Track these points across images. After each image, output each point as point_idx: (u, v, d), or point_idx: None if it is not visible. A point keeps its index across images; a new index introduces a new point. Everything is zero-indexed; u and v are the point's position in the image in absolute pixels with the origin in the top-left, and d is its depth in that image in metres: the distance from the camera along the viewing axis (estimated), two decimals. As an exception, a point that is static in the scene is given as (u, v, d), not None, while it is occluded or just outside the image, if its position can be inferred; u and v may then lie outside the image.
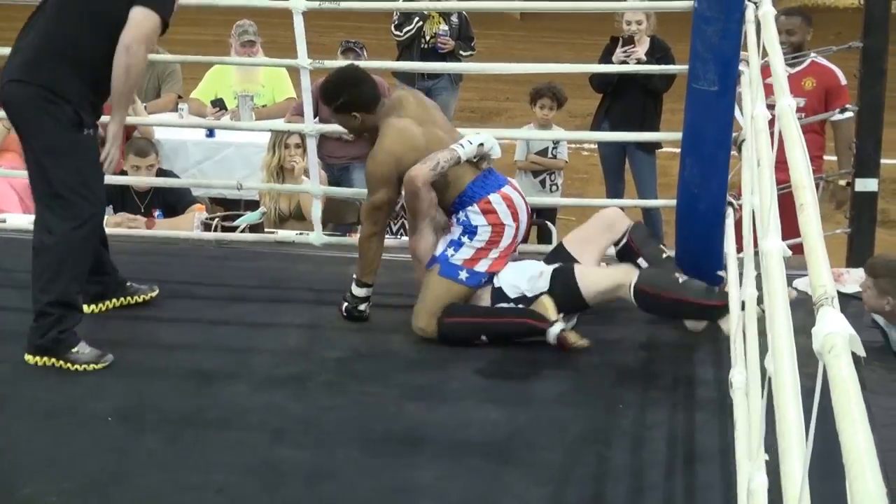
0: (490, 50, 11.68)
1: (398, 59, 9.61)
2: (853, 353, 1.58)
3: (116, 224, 6.87)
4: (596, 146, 9.74)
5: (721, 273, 5.34)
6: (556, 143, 8.49)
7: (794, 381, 1.93)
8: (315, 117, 6.45)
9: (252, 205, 7.78)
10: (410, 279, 5.89)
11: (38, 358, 4.92)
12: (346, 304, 5.47)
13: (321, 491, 4.09)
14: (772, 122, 3.34)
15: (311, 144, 6.35)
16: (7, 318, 5.38)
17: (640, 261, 5.43)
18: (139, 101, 8.85)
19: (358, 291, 5.45)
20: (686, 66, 5.33)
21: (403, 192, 5.33)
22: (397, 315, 5.52)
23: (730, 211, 5.37)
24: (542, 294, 5.24)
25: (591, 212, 9.78)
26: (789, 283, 2.68)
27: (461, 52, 9.66)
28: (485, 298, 5.36)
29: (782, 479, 1.77)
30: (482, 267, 5.33)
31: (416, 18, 9.54)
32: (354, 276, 5.47)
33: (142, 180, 7.20)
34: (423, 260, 5.44)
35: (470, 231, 5.33)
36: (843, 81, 7.12)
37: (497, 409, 4.67)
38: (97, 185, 4.91)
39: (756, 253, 3.58)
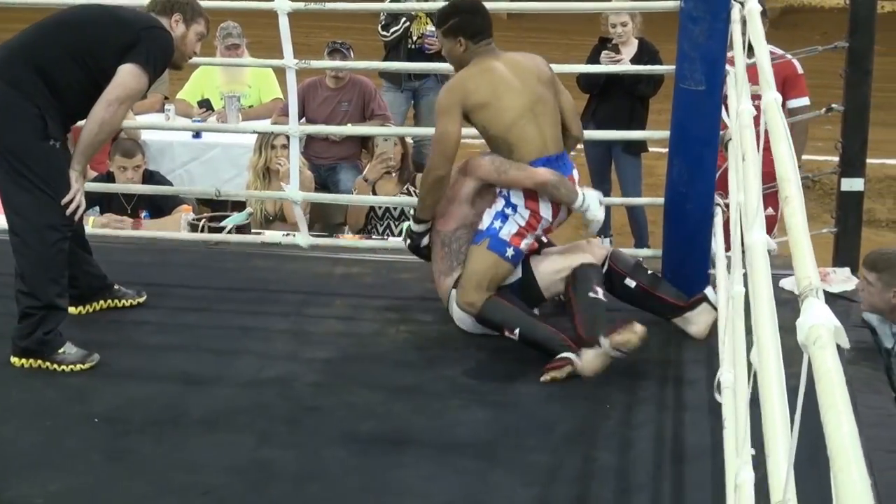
0: (477, 51, 11.65)
1: (385, 60, 9.59)
2: (838, 346, 1.58)
3: (103, 225, 6.86)
4: (582, 147, 9.72)
5: (711, 271, 5.35)
6: None
7: (779, 373, 1.93)
8: (301, 118, 6.44)
9: (239, 206, 7.77)
10: (397, 280, 5.91)
11: (23, 360, 4.91)
12: (408, 240, 5.47)
13: (308, 491, 4.09)
14: (757, 120, 3.35)
15: (294, 147, 6.33)
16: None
17: (628, 280, 5.37)
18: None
19: (416, 227, 5.41)
20: (673, 67, 5.35)
21: (459, 168, 5.36)
22: (383, 315, 5.52)
23: (718, 211, 5.38)
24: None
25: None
26: (775, 283, 2.68)
27: (448, 53, 9.64)
28: None
29: (768, 471, 1.78)
30: (524, 246, 5.24)
31: (404, 19, 9.53)
32: (412, 211, 5.51)
33: (126, 188, 7.18)
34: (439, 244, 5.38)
35: (511, 205, 5.21)
36: (800, 70, 7.24)
37: (484, 409, 4.67)
38: (66, 190, 4.87)
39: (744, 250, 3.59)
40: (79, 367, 4.91)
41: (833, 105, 6.16)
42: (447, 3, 5.49)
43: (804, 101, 7.28)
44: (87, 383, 4.84)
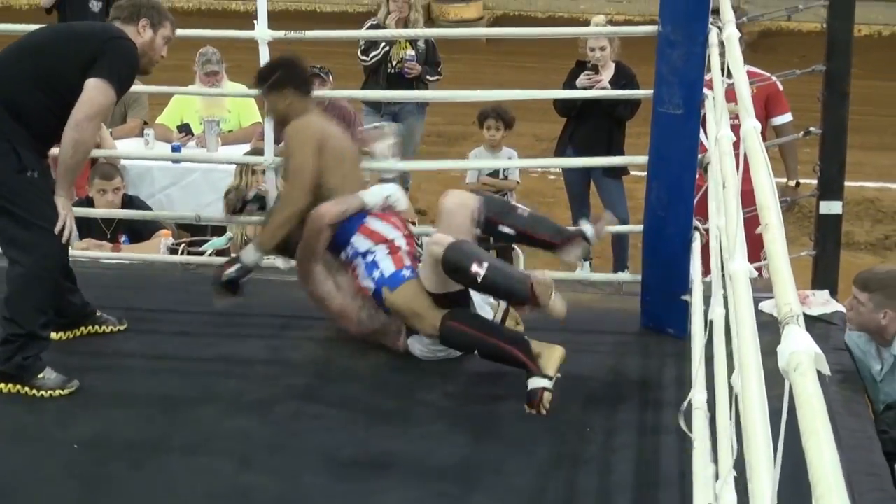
0: (457, 74, 11.67)
1: (365, 84, 9.61)
2: (818, 372, 1.59)
3: (83, 249, 6.84)
4: (560, 171, 9.75)
5: (686, 298, 5.35)
6: None
7: (762, 399, 1.94)
8: (281, 142, 6.43)
9: (219, 230, 7.75)
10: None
11: (2, 384, 4.88)
12: (231, 269, 5.40)
13: (289, 517, 4.08)
14: (736, 144, 3.36)
15: (271, 177, 6.30)
16: None
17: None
18: (105, 126, 8.81)
19: (251, 257, 5.40)
20: (651, 91, 5.36)
21: (305, 230, 5.29)
22: (363, 341, 5.51)
23: (696, 235, 5.39)
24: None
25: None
26: (755, 306, 2.70)
27: (428, 77, 9.66)
28: None
29: (751, 497, 1.78)
30: (408, 261, 5.28)
31: (383, 43, 9.55)
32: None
33: (107, 213, 7.16)
34: (329, 298, 5.39)
35: (363, 253, 5.30)
36: (780, 87, 7.37)
37: (464, 433, 4.66)
38: (54, 217, 4.85)
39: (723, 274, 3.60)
40: (58, 392, 4.89)
41: (811, 128, 6.18)
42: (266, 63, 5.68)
43: (787, 117, 7.46)
44: (67, 408, 4.82)
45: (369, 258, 5.27)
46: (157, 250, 6.94)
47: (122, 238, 7.37)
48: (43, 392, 4.88)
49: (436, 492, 4.23)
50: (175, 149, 8.74)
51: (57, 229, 4.82)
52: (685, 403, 4.03)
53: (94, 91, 4.78)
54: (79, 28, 5.09)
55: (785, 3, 6.48)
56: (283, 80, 5.46)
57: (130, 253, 6.97)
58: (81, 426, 4.68)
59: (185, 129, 9.13)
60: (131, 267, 6.60)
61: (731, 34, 4.11)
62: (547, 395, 4.84)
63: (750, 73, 7.29)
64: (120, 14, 5.07)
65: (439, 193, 5.41)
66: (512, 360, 4.99)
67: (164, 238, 7.16)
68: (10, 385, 4.88)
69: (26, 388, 4.87)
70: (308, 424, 4.73)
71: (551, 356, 4.92)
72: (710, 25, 5.04)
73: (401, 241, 5.35)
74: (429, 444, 4.58)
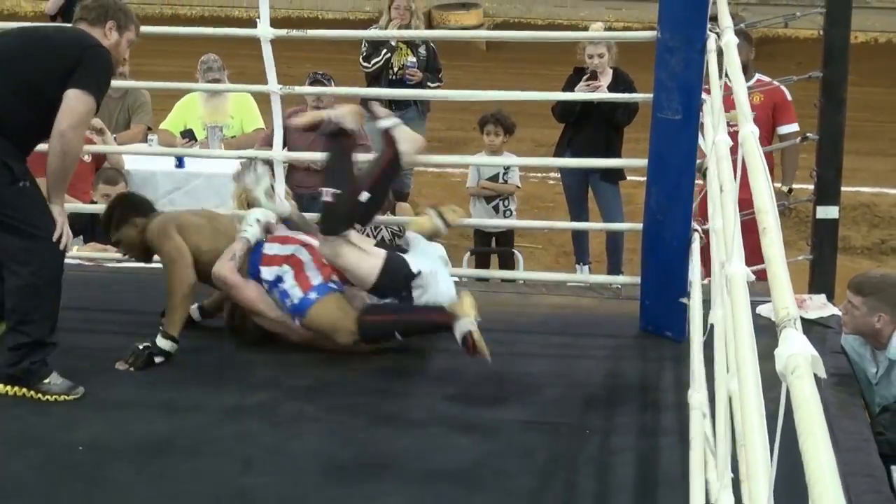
0: (457, 81, 11.66)
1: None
2: (815, 375, 1.58)
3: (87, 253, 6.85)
4: (559, 175, 9.75)
5: (684, 300, 5.35)
6: (506, 168, 8.51)
7: (759, 400, 1.93)
8: (284, 147, 6.44)
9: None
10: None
11: (8, 387, 4.88)
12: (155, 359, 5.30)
13: (290, 518, 4.08)
14: (734, 149, 3.35)
15: (279, 171, 6.33)
16: None
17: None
18: (108, 132, 8.82)
19: (168, 346, 5.31)
20: (650, 96, 5.36)
21: (221, 293, 5.52)
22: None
23: (695, 237, 5.38)
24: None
25: (555, 238, 9.88)
26: (753, 309, 2.69)
27: (429, 83, 9.67)
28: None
29: (748, 498, 1.77)
30: (316, 281, 5.36)
31: (385, 50, 9.56)
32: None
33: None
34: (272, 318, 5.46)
35: (275, 281, 5.39)
36: (789, 97, 7.40)
37: (464, 435, 4.66)
38: (51, 226, 4.86)
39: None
40: (63, 397, 4.88)
41: (808, 134, 6.18)
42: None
43: (794, 126, 7.49)
44: (71, 411, 4.81)
45: (281, 286, 5.38)
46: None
47: (126, 242, 7.36)
48: (48, 396, 4.87)
49: (436, 494, 4.23)
50: (179, 164, 8.75)
51: (55, 238, 4.82)
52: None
53: (75, 101, 4.79)
54: (54, 36, 5.08)
55: (782, 10, 6.49)
56: (123, 215, 5.57)
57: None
58: (85, 429, 4.67)
59: (188, 134, 9.13)
60: (134, 270, 6.59)
61: (730, 40, 4.11)
62: (476, 334, 5.04)
63: (759, 82, 7.33)
64: (87, 15, 5.06)
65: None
66: (432, 325, 5.27)
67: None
68: (16, 388, 4.88)
69: (32, 392, 4.87)
70: (309, 427, 4.73)
71: (462, 303, 5.18)
72: (708, 32, 5.04)
73: (301, 253, 5.46)
74: (429, 446, 4.58)
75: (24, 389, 4.87)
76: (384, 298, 5.39)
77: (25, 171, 4.87)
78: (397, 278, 5.35)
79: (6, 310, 4.90)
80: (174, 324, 5.29)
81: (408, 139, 5.76)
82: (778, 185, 7.27)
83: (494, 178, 8.54)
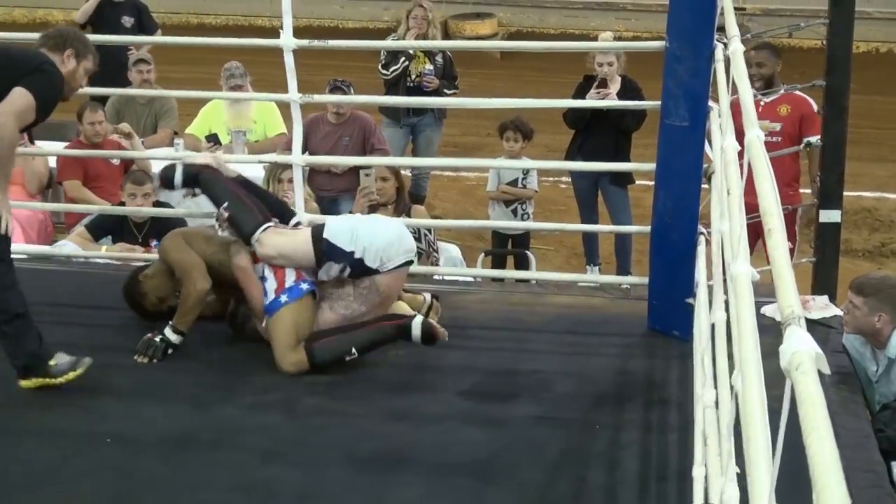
0: (472, 88, 11.68)
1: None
2: (819, 371, 1.58)
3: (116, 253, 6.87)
4: (569, 179, 9.77)
5: (690, 300, 5.35)
6: (525, 173, 8.53)
7: (761, 396, 1.93)
8: (304, 152, 6.45)
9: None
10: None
11: (24, 381, 4.85)
12: (160, 337, 5.33)
13: (310, 509, 4.08)
14: (740, 154, 3.35)
15: (298, 175, 6.34)
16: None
17: None
18: (136, 135, 8.84)
19: (175, 338, 5.35)
20: (658, 103, 5.35)
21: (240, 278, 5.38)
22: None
23: (701, 240, 5.38)
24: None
25: (566, 240, 9.87)
26: (757, 310, 2.68)
27: (445, 91, 9.68)
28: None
29: (750, 491, 1.77)
30: (289, 280, 5.27)
31: (403, 58, 9.57)
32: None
33: (137, 210, 7.19)
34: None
35: (262, 278, 5.32)
36: (816, 108, 7.34)
37: (478, 430, 4.66)
38: None
39: (725, 278, 3.59)
40: (72, 374, 4.87)
41: (811, 140, 6.17)
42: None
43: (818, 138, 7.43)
44: (100, 404, 4.83)
45: (265, 284, 5.32)
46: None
47: (153, 242, 7.38)
48: (60, 378, 4.86)
49: (451, 485, 4.23)
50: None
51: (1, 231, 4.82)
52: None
53: (17, 95, 4.79)
54: (14, 52, 5.09)
55: (787, 20, 6.48)
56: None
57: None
58: (112, 422, 4.68)
59: (213, 139, 9.15)
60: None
61: (737, 49, 4.10)
62: (431, 322, 5.25)
63: (788, 93, 7.30)
64: (47, 42, 5.08)
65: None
66: (387, 334, 5.25)
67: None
68: (31, 380, 4.85)
69: (45, 379, 4.85)
70: (329, 420, 4.73)
71: (400, 306, 5.40)
72: (715, 41, 5.03)
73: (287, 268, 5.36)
74: (444, 439, 4.58)
75: (38, 379, 4.84)
76: (337, 265, 5.26)
77: None
78: (334, 242, 5.27)
79: None
80: (185, 323, 5.33)
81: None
82: (807, 191, 7.25)
83: (513, 183, 8.56)
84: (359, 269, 5.24)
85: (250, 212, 5.41)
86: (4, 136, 4.79)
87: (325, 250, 5.24)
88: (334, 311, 5.31)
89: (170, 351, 5.28)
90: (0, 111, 4.76)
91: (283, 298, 5.23)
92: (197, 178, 5.65)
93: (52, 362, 4.87)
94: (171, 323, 5.34)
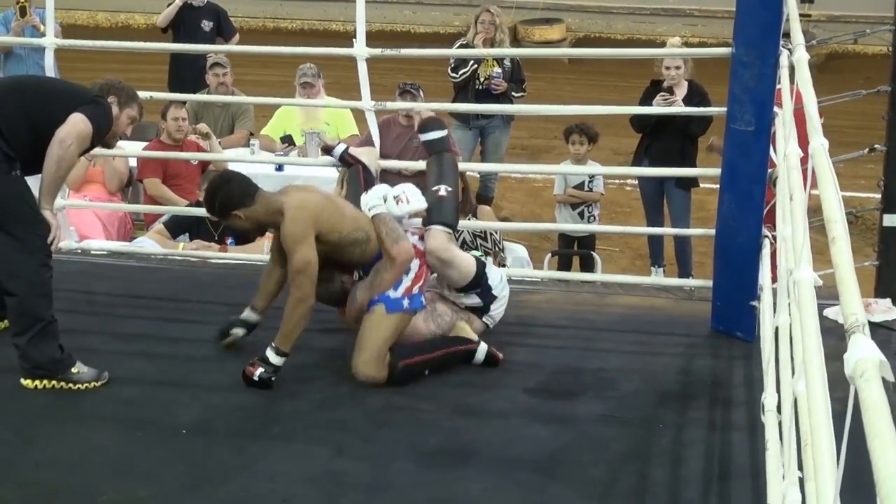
0: (540, 92, 11.67)
1: (454, 100, 9.64)
2: (883, 378, 1.56)
3: (192, 250, 6.93)
4: (636, 182, 9.75)
5: (754, 303, 5.31)
6: (591, 177, 8.52)
7: (826, 403, 1.91)
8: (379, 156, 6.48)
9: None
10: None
11: (36, 381, 4.88)
12: (261, 370, 4.91)
13: (378, 501, 4.09)
14: (804, 160, 3.32)
15: (372, 177, 6.37)
16: (90, 340, 5.41)
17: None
18: (213, 136, 8.92)
19: (276, 360, 4.94)
20: (724, 108, 5.33)
21: (396, 271, 5.07)
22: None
23: (766, 243, 5.35)
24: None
25: (632, 241, 9.84)
26: (819, 312, 2.66)
27: (513, 94, 9.68)
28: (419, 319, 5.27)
29: (814, 497, 1.75)
30: (416, 290, 5.14)
31: (472, 62, 9.58)
32: (274, 342, 4.96)
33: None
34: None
35: (408, 269, 5.12)
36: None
37: (543, 426, 4.65)
38: (43, 228, 4.89)
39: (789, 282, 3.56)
40: (93, 384, 4.90)
41: (876, 145, 6.10)
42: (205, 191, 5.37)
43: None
44: (176, 397, 4.87)
45: (403, 275, 5.12)
46: (261, 251, 6.99)
47: (229, 240, 7.44)
48: (79, 385, 4.87)
49: (515, 480, 4.22)
50: (279, 168, 8.84)
51: (50, 239, 4.89)
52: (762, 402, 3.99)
53: (77, 119, 4.84)
54: (75, 86, 5.15)
55: (852, 27, 6.41)
56: (223, 207, 5.10)
57: (236, 254, 7.02)
58: (188, 414, 4.72)
59: (287, 139, 9.21)
60: (237, 266, 6.66)
61: (801, 56, 4.06)
62: (491, 348, 5.24)
63: None
64: (93, 89, 5.10)
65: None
66: (456, 359, 5.21)
67: (268, 240, 7.21)
68: (45, 381, 4.87)
69: (62, 383, 4.87)
70: (398, 416, 4.74)
71: (465, 329, 5.32)
72: (780, 48, 5.00)
73: (423, 266, 5.24)
74: (509, 436, 4.58)
75: (55, 381, 4.87)
76: (477, 298, 5.35)
77: (17, 167, 4.85)
78: (483, 276, 5.34)
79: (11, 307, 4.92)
80: (288, 341, 4.95)
81: (364, 153, 5.88)
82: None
83: (580, 186, 8.57)
84: (485, 307, 5.41)
85: (457, 206, 5.41)
86: (65, 158, 4.85)
87: (480, 283, 5.32)
88: (427, 323, 5.33)
89: (274, 378, 4.92)
90: (67, 133, 4.82)
91: (406, 303, 5.07)
92: (343, 158, 5.72)
93: (74, 370, 4.90)
94: (272, 345, 4.97)
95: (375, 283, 5.10)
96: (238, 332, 5.30)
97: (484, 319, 5.43)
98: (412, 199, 5.26)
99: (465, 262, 5.30)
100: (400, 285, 5.09)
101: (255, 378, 4.89)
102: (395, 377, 5.00)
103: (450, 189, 5.35)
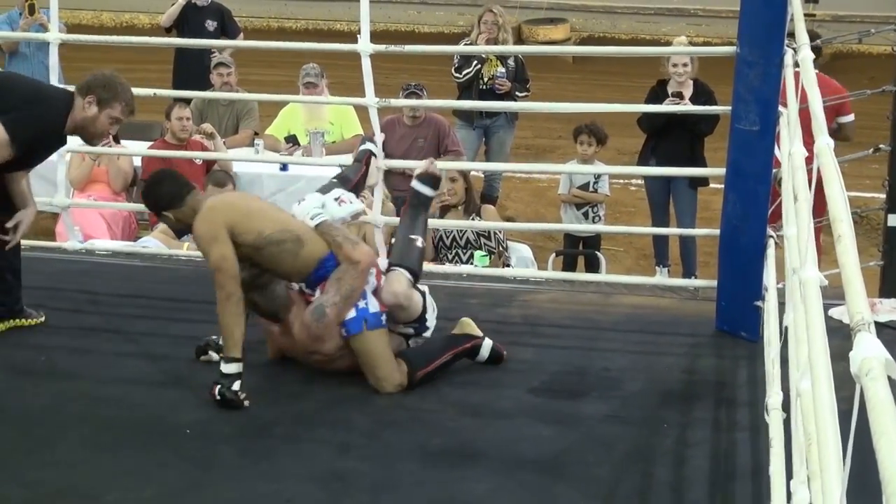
0: (544, 91, 11.66)
1: (458, 100, 9.65)
2: (889, 377, 1.56)
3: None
4: (642, 182, 9.75)
5: (758, 303, 5.31)
6: (597, 178, 8.53)
7: (831, 401, 1.91)
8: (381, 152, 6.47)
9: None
10: (466, 304, 5.89)
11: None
12: (218, 386, 4.67)
13: (382, 501, 4.09)
14: (808, 159, 3.32)
15: (378, 176, 6.38)
16: (94, 340, 5.42)
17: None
18: (218, 136, 8.94)
19: (227, 368, 4.69)
20: (729, 108, 5.32)
21: (356, 279, 4.85)
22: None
23: (770, 242, 5.35)
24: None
25: (636, 241, 9.84)
26: (825, 311, 2.67)
27: (517, 93, 9.69)
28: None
29: (820, 495, 1.75)
30: (383, 306, 4.96)
31: (475, 61, 9.59)
32: (221, 354, 4.79)
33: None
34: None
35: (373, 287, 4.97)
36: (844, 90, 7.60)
37: (547, 426, 4.65)
38: None
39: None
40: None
41: (880, 145, 6.10)
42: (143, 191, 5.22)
43: (850, 118, 8.00)
44: (181, 396, 4.86)
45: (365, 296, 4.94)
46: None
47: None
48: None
49: (519, 480, 4.22)
50: (283, 167, 8.86)
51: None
52: (766, 402, 3.99)
53: None
54: (24, 86, 5.15)
55: (857, 26, 6.41)
56: (155, 206, 5.03)
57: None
58: (191, 414, 4.71)
59: (291, 139, 9.22)
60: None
61: (806, 56, 4.06)
62: (495, 343, 5.18)
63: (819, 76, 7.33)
64: (79, 84, 5.10)
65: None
66: (463, 355, 5.14)
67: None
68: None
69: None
70: (402, 416, 4.74)
71: (469, 325, 5.24)
72: (785, 47, 5.00)
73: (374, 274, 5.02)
74: (513, 435, 4.58)
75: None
76: (413, 332, 5.18)
77: None
78: (423, 313, 5.16)
79: None
80: (233, 344, 4.71)
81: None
82: (853, 193, 7.22)
83: (585, 187, 8.57)
84: (416, 335, 5.19)
85: (422, 257, 5.25)
86: None
87: (420, 319, 5.12)
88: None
89: (237, 386, 4.69)
90: None
91: (383, 319, 4.93)
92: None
93: None
94: (220, 356, 4.81)
95: (344, 294, 4.85)
96: (213, 356, 5.03)
97: (410, 342, 5.23)
98: (352, 199, 5.16)
99: (417, 305, 5.10)
100: (368, 297, 4.91)
101: (218, 398, 4.67)
102: (414, 386, 4.92)
103: (423, 243, 5.23)
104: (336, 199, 5.09)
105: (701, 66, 8.46)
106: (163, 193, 4.95)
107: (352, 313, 4.86)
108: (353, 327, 4.87)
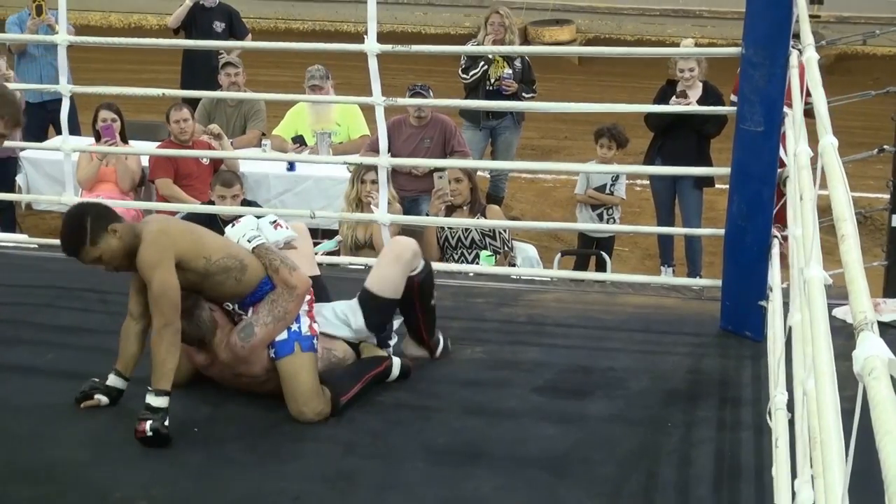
0: (550, 92, 11.67)
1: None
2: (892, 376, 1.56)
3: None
4: (647, 182, 9.75)
5: (763, 303, 5.31)
6: (614, 181, 8.54)
7: (834, 400, 1.91)
8: (388, 152, 6.47)
9: (330, 233, 7.83)
10: (472, 304, 5.89)
11: None
12: (149, 422, 4.37)
13: (389, 499, 4.09)
14: (813, 160, 3.32)
15: (383, 176, 6.38)
16: (104, 339, 5.42)
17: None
18: (225, 136, 8.95)
19: (158, 402, 4.42)
20: (734, 108, 5.32)
21: (293, 303, 4.69)
22: (460, 337, 5.50)
23: (775, 242, 5.34)
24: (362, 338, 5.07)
25: (641, 241, 9.84)
26: (829, 311, 2.66)
27: (524, 94, 9.70)
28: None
29: (823, 494, 1.75)
30: (313, 329, 4.81)
31: (482, 62, 9.59)
32: (150, 385, 4.46)
33: (226, 209, 7.25)
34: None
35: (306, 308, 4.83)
36: None
37: (553, 425, 4.65)
38: None
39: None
40: None
41: (885, 146, 6.09)
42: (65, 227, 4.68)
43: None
44: (189, 395, 4.86)
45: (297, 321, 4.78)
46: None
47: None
48: None
49: (524, 479, 4.22)
50: (290, 167, 8.87)
51: None
52: (769, 404, 3.99)
53: None
54: None
55: (861, 28, 6.40)
56: (97, 227, 4.56)
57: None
58: (201, 412, 4.72)
59: (299, 140, 9.23)
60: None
61: (811, 57, 4.06)
62: (403, 359, 5.09)
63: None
64: None
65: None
66: (379, 377, 4.96)
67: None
68: None
69: None
70: (408, 415, 4.74)
71: (372, 349, 5.07)
72: (790, 48, 4.99)
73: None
74: (519, 434, 4.57)
75: None
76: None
77: None
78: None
79: None
80: (163, 377, 4.45)
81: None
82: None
83: (601, 189, 8.58)
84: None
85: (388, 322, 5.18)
86: None
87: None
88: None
89: (167, 423, 4.40)
90: None
91: (315, 342, 4.76)
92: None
93: None
94: (149, 388, 4.47)
95: (277, 316, 4.68)
96: (102, 399, 4.71)
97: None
98: (287, 225, 5.05)
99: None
100: (302, 324, 4.75)
101: (149, 434, 4.36)
102: (338, 411, 4.71)
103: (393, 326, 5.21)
104: (272, 223, 4.98)
105: (711, 68, 8.47)
106: (89, 225, 4.56)
107: (283, 335, 4.70)
108: (282, 349, 4.69)
